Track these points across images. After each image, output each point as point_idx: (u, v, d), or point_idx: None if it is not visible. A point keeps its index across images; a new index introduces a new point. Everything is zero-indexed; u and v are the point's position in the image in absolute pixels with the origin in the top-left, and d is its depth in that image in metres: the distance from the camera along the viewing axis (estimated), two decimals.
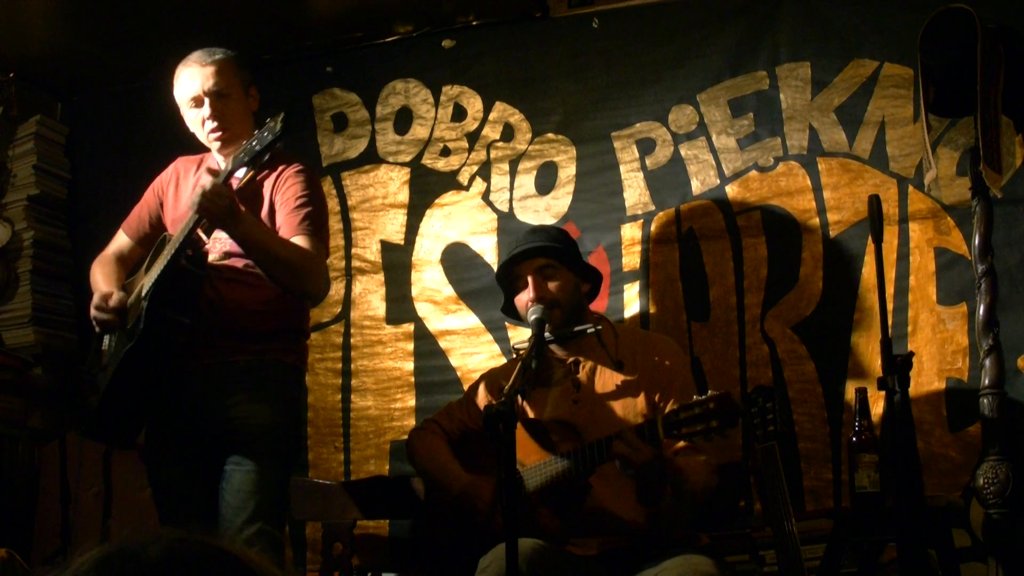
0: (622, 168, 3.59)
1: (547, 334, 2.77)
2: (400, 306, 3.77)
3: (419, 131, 3.85)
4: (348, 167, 3.91)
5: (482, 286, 3.64)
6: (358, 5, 3.76)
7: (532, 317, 2.74)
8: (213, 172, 2.63)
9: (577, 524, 2.62)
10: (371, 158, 3.89)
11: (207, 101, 2.84)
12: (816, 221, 3.36)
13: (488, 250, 3.70)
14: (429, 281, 3.75)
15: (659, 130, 3.56)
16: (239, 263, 2.81)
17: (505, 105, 3.76)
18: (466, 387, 3.21)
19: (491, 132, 3.76)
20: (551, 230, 3.07)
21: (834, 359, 3.28)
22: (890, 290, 3.12)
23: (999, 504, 2.74)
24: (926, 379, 3.16)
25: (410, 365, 3.73)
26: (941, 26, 2.89)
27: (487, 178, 3.74)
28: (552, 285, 2.82)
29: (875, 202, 2.70)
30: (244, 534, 2.65)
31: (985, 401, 2.83)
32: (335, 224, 3.80)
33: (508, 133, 3.74)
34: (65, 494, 3.66)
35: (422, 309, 3.74)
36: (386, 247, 3.82)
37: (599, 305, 3.26)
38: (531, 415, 2.77)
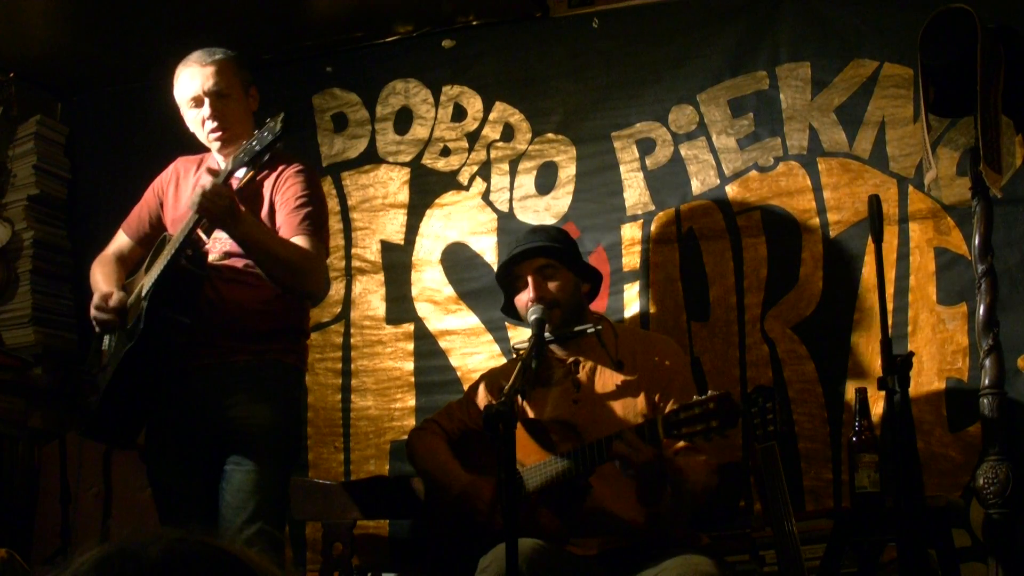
0: (622, 168, 3.59)
1: (547, 334, 2.77)
2: (400, 306, 3.77)
3: (419, 131, 3.85)
4: (348, 167, 3.91)
5: (482, 286, 3.64)
6: (358, 5, 3.76)
7: (532, 317, 2.74)
8: (213, 172, 2.63)
9: (577, 524, 2.62)
10: (371, 158, 3.89)
11: (207, 101, 2.84)
12: (816, 221, 3.36)
13: (488, 250, 3.70)
14: (429, 281, 3.75)
15: (659, 130, 3.56)
16: (239, 263, 2.81)
17: (505, 105, 3.76)
18: (466, 387, 3.21)
19: (491, 132, 3.76)
20: (551, 230, 3.07)
21: (834, 359, 3.28)
22: (890, 290, 3.12)
23: (999, 504, 2.74)
24: (926, 379, 3.16)
25: (410, 365, 3.73)
26: (941, 26, 2.89)
27: (487, 178, 3.74)
28: (552, 285, 2.82)
29: (875, 202, 2.70)
30: (244, 534, 2.65)
31: (985, 401, 2.83)
32: (335, 224, 3.80)
33: (508, 133, 3.74)
34: (65, 494, 3.66)
35: (422, 309, 3.75)
36: (386, 247, 3.83)
37: (599, 305, 3.26)
38: (531, 415, 2.77)
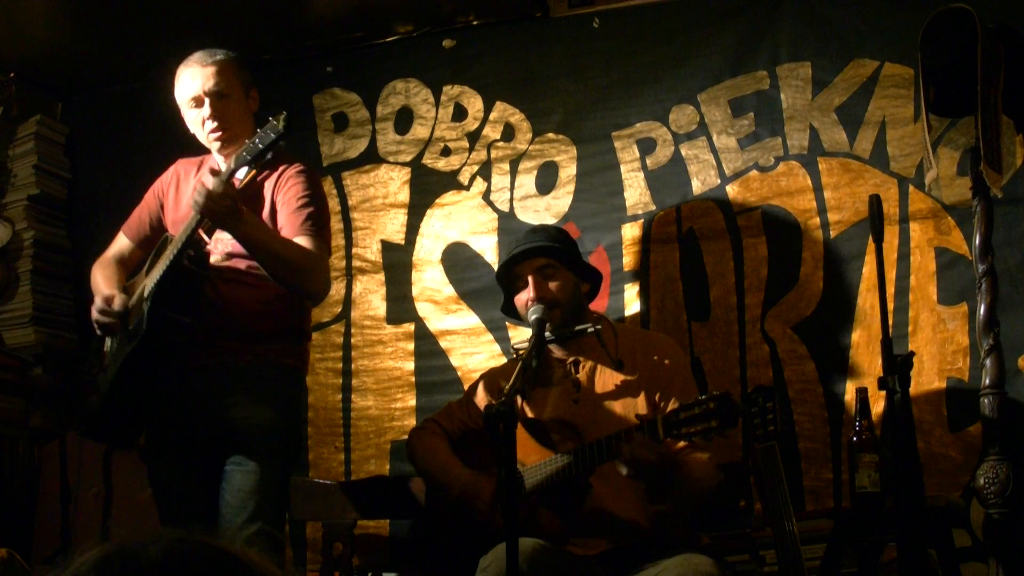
0: (622, 168, 3.59)
1: (547, 334, 2.77)
2: (400, 306, 3.77)
3: (419, 131, 3.85)
4: (349, 167, 3.91)
5: (482, 286, 3.64)
6: (358, 5, 3.76)
7: (532, 317, 2.74)
8: (215, 172, 2.63)
9: (577, 524, 2.62)
10: (371, 158, 3.89)
11: (207, 101, 2.84)
12: (816, 221, 3.36)
13: (488, 250, 3.70)
14: (429, 281, 3.75)
15: (659, 130, 3.56)
16: (241, 264, 2.81)
17: (505, 105, 3.76)
18: (466, 387, 3.21)
19: (491, 132, 3.76)
20: (551, 230, 3.07)
21: (834, 359, 3.28)
22: (890, 290, 3.12)
23: (999, 504, 2.74)
24: (926, 379, 3.16)
25: (410, 365, 3.73)
26: (941, 26, 2.89)
27: (487, 178, 3.74)
28: (552, 285, 2.82)
29: (875, 202, 2.70)
30: (244, 534, 2.65)
31: (985, 401, 2.83)
32: (336, 224, 3.79)
33: (508, 133, 3.74)
34: (65, 494, 3.66)
35: (422, 309, 3.75)
36: (386, 247, 3.83)
37: (599, 305, 3.26)
38: (531, 415, 2.77)
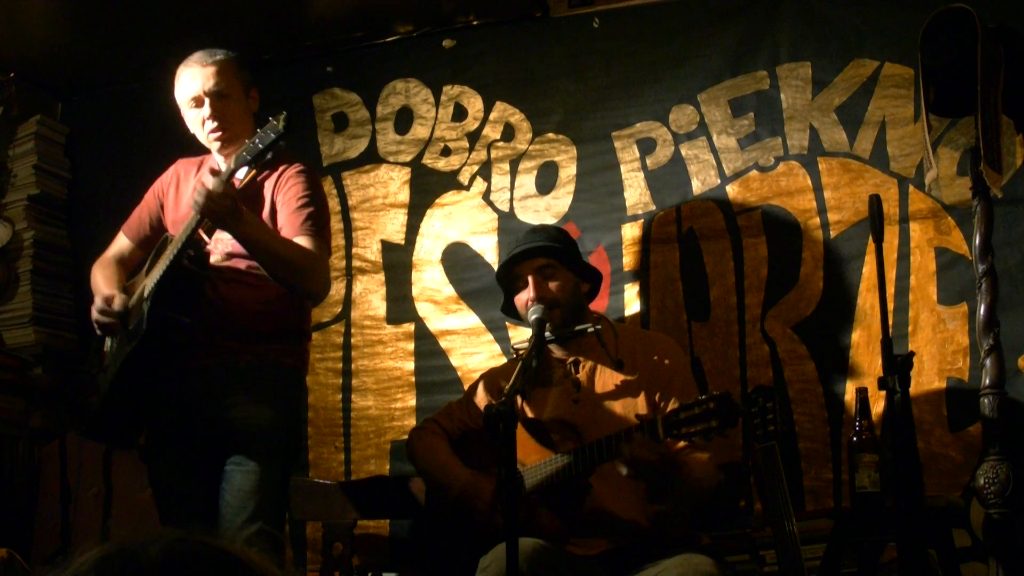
0: (622, 168, 3.59)
1: (547, 334, 2.77)
2: (400, 306, 3.77)
3: (419, 131, 3.85)
4: (349, 167, 3.91)
5: (482, 286, 3.64)
6: (358, 5, 3.76)
7: (532, 317, 2.74)
8: (215, 172, 2.63)
9: (577, 524, 2.62)
10: (371, 158, 3.89)
11: (207, 101, 2.84)
12: (816, 221, 3.36)
13: (488, 250, 3.70)
14: (429, 281, 3.75)
15: (659, 130, 3.56)
16: (241, 264, 2.81)
17: (505, 105, 3.76)
18: (466, 387, 3.21)
19: (491, 132, 3.76)
20: (551, 230, 3.07)
21: (834, 359, 3.28)
22: (890, 290, 3.12)
23: (999, 504, 2.74)
24: (926, 379, 3.16)
25: (410, 365, 3.73)
26: (941, 26, 2.89)
27: (488, 178, 3.74)
28: (552, 285, 2.82)
29: (875, 202, 2.70)
30: (244, 534, 2.65)
31: (985, 401, 2.83)
32: (336, 224, 3.79)
33: (508, 133, 3.74)
34: (65, 494, 3.66)
35: (422, 309, 3.75)
36: (386, 247, 3.83)
37: (599, 305, 3.26)
38: (531, 415, 2.77)
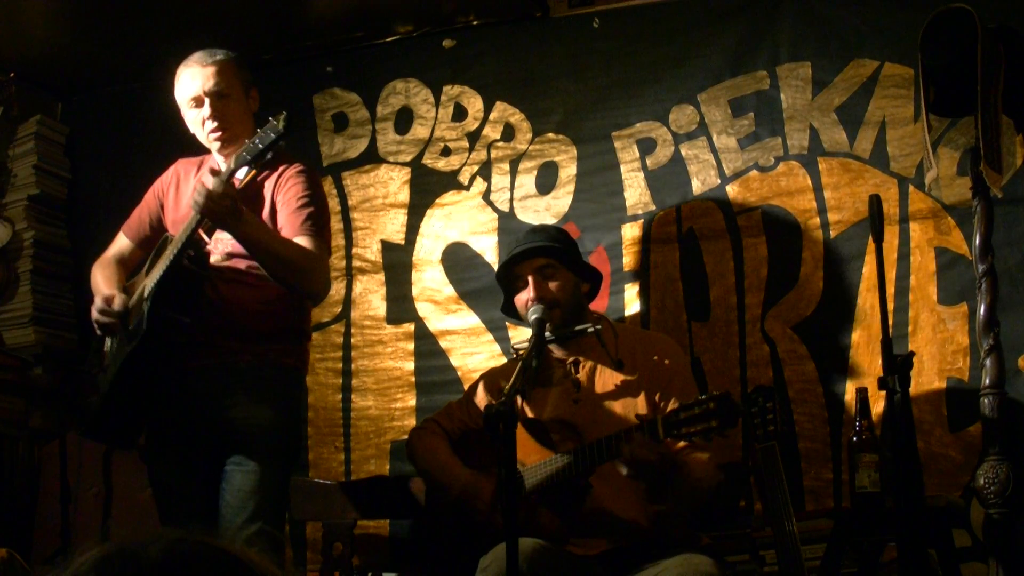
0: (622, 168, 3.59)
1: (547, 334, 2.77)
2: (400, 306, 3.77)
3: (419, 131, 3.85)
4: (349, 167, 3.91)
5: (482, 286, 3.64)
6: (358, 5, 3.76)
7: (532, 317, 2.74)
8: (215, 172, 2.63)
9: (577, 524, 2.62)
10: (371, 158, 3.89)
11: (207, 101, 2.84)
12: (816, 221, 3.36)
13: (488, 250, 3.70)
14: (429, 281, 3.75)
15: (659, 130, 3.56)
16: (241, 264, 2.81)
17: (505, 105, 3.76)
18: (466, 387, 3.21)
19: (491, 132, 3.76)
20: (551, 230, 3.07)
21: (834, 359, 3.28)
22: (890, 290, 3.12)
23: (999, 504, 2.74)
24: (926, 379, 3.16)
25: (410, 365, 3.73)
26: (941, 26, 2.89)
27: (487, 178, 3.74)
28: (552, 285, 2.82)
29: (875, 202, 2.70)
30: (244, 534, 2.65)
31: (985, 401, 2.83)
32: (336, 224, 3.79)
33: (508, 133, 3.74)
34: (65, 494, 3.66)
35: (422, 309, 3.75)
36: (386, 247, 3.83)
37: (599, 305, 3.26)
38: (531, 415, 2.77)
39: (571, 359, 2.85)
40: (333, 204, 3.80)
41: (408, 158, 3.85)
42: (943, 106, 3.00)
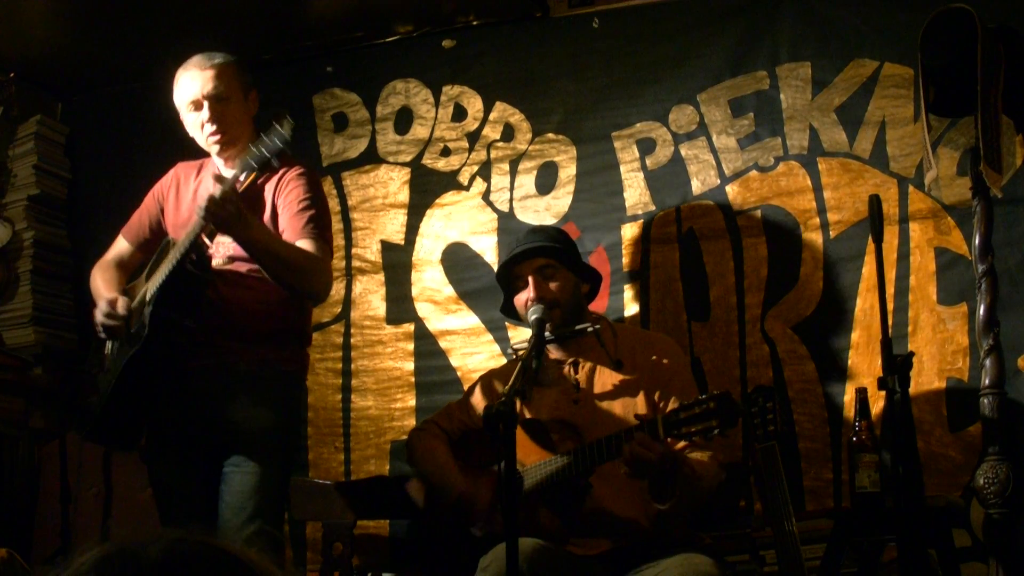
0: (622, 168, 3.59)
1: (547, 334, 2.77)
2: (400, 306, 3.77)
3: (419, 131, 3.85)
4: (348, 167, 3.91)
5: (482, 286, 3.64)
6: (358, 5, 3.76)
7: (532, 317, 2.74)
8: (219, 179, 2.62)
9: (577, 524, 2.62)
10: (371, 158, 3.89)
11: (206, 105, 2.83)
12: (816, 221, 3.36)
13: (488, 250, 3.70)
14: (429, 281, 3.75)
15: (659, 130, 3.56)
16: (242, 267, 2.81)
17: (505, 105, 3.76)
18: (466, 387, 3.21)
19: (491, 132, 3.76)
20: (551, 230, 3.07)
21: (834, 359, 3.28)
22: (890, 290, 3.12)
23: (999, 504, 2.74)
24: (926, 379, 3.16)
25: (410, 365, 3.73)
26: (941, 26, 2.89)
27: (487, 178, 3.74)
28: (552, 285, 2.82)
29: (875, 202, 2.70)
30: (243, 534, 2.65)
31: (985, 401, 2.83)
32: (335, 224, 3.79)
33: (508, 133, 3.74)
34: (65, 494, 3.66)
35: (422, 309, 3.75)
36: (386, 247, 3.83)
37: (599, 305, 3.26)
38: (531, 415, 2.77)
39: (570, 359, 2.85)
40: (333, 204, 3.80)
41: (408, 158, 3.85)
42: (943, 106, 2.99)
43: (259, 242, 2.67)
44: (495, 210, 3.72)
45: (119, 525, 3.60)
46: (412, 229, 3.80)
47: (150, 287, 2.79)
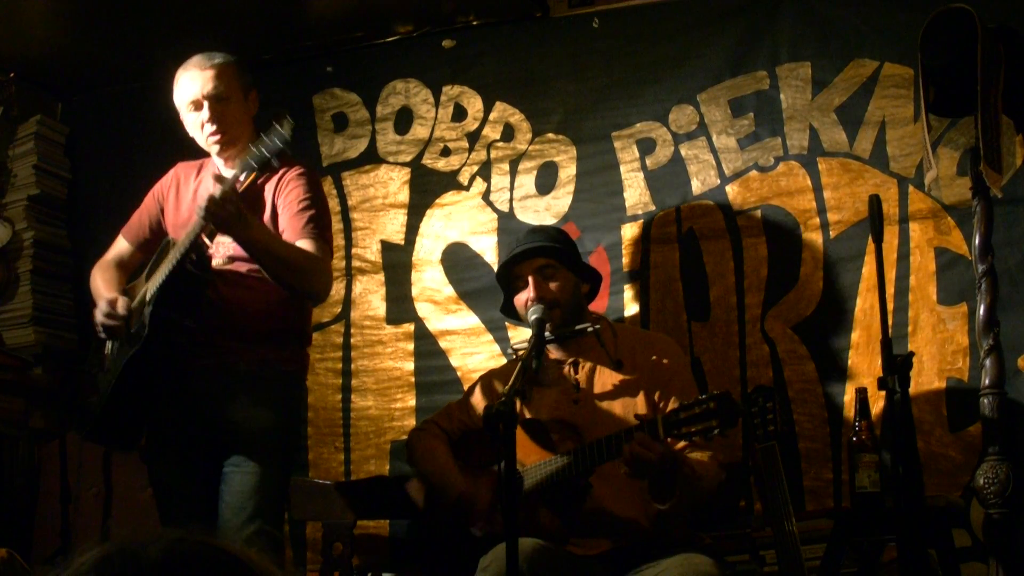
0: (622, 168, 3.59)
1: (546, 334, 2.77)
2: (400, 306, 3.77)
3: (419, 131, 3.85)
4: (348, 167, 3.91)
5: (482, 286, 3.64)
6: (358, 5, 3.76)
7: (532, 317, 2.74)
8: (220, 179, 2.62)
9: (577, 524, 2.62)
10: (371, 158, 3.89)
11: (206, 105, 2.83)
12: (816, 221, 3.36)
13: (488, 250, 3.70)
14: (429, 281, 3.75)
15: (659, 130, 3.56)
16: (242, 267, 2.81)
17: (505, 105, 3.76)
18: (466, 387, 3.21)
19: (491, 132, 3.76)
20: (551, 230, 3.07)
21: (834, 359, 3.28)
22: (890, 290, 3.12)
23: (999, 504, 2.74)
24: (926, 379, 3.16)
25: (410, 365, 3.73)
26: (941, 26, 2.89)
27: (487, 178, 3.74)
28: (552, 285, 2.82)
29: (875, 202, 2.70)
30: (243, 534, 2.66)
31: (985, 401, 2.83)
32: (335, 224, 3.79)
33: (508, 133, 3.74)
34: (65, 494, 3.66)
35: (422, 309, 3.75)
36: (386, 247, 3.83)
37: (599, 305, 3.26)
38: (530, 415, 2.77)
39: (570, 360, 2.85)
40: (333, 204, 3.80)
41: (408, 158, 3.85)
42: (943, 106, 2.99)
43: (259, 242, 2.68)
44: (495, 210, 3.72)
45: (119, 525, 3.61)
46: (412, 229, 3.80)
47: (150, 287, 2.79)
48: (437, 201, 3.79)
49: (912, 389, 2.63)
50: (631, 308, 3.49)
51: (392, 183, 3.85)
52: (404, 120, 3.87)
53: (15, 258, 4.06)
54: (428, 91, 3.85)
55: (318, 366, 3.76)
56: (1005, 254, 3.08)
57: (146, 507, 3.15)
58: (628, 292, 3.51)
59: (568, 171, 3.65)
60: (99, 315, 2.85)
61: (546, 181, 3.67)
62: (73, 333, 4.09)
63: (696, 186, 3.50)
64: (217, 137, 2.85)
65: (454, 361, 3.67)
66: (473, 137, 3.78)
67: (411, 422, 3.61)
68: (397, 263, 3.79)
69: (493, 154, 3.75)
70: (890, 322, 2.67)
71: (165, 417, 2.85)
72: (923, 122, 2.96)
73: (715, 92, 3.50)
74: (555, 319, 2.79)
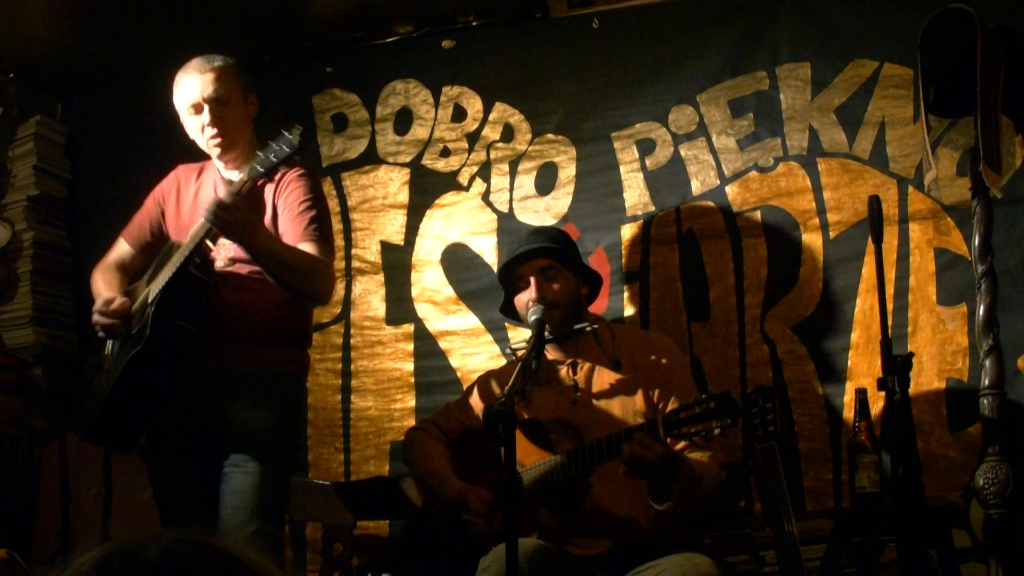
0: (622, 168, 3.59)
1: (546, 334, 2.77)
2: (400, 307, 3.77)
3: (419, 131, 3.85)
4: (348, 167, 3.91)
5: (482, 286, 3.64)
6: (358, 5, 3.76)
7: (532, 317, 2.74)
8: (227, 182, 2.63)
9: (577, 524, 2.62)
10: (371, 158, 3.89)
11: (206, 108, 2.83)
12: (816, 221, 3.36)
13: (488, 250, 3.70)
14: (429, 281, 3.75)
15: (659, 130, 3.56)
16: (244, 269, 2.82)
17: (505, 105, 3.76)
18: (466, 388, 3.21)
19: (491, 132, 3.76)
20: (552, 231, 3.08)
21: (834, 360, 3.28)
22: (890, 290, 3.12)
23: (999, 504, 2.74)
24: (926, 379, 3.16)
25: (410, 366, 3.73)
26: (941, 26, 2.89)
27: (487, 178, 3.74)
28: (554, 286, 2.82)
29: (875, 202, 2.70)
30: (243, 534, 2.66)
31: (985, 401, 2.83)
32: (335, 225, 3.78)
33: (508, 133, 3.74)
34: (65, 494, 3.66)
35: (422, 310, 3.74)
36: (386, 247, 3.82)
37: (599, 305, 3.26)
38: (530, 416, 2.77)
39: (569, 360, 2.86)
40: (333, 205, 3.80)
41: (408, 159, 3.85)
42: (943, 106, 2.99)
43: (264, 247, 2.68)
44: (495, 211, 3.72)
45: (119, 525, 3.61)
46: (412, 230, 3.80)
47: (152, 289, 2.79)
48: (437, 202, 3.79)
49: (912, 389, 2.63)
50: (631, 308, 3.49)
51: (392, 184, 3.85)
52: (404, 121, 3.87)
53: (15, 258, 4.06)
54: (428, 91, 3.85)
55: (318, 367, 3.75)
56: (1005, 254, 3.08)
57: (146, 507, 3.15)
58: (628, 292, 3.51)
59: (568, 171, 3.65)
60: (95, 314, 2.85)
61: (546, 182, 3.67)
62: (73, 334, 4.09)
63: (696, 186, 3.50)
64: (218, 140, 2.85)
65: (454, 362, 3.67)
66: (473, 138, 3.78)
67: (411, 423, 3.61)
68: (397, 264, 3.79)
69: (493, 154, 3.75)
70: (890, 322, 2.67)
71: (165, 418, 2.85)
72: (923, 122, 2.96)
73: (715, 92, 3.50)
74: (554, 320, 2.79)
